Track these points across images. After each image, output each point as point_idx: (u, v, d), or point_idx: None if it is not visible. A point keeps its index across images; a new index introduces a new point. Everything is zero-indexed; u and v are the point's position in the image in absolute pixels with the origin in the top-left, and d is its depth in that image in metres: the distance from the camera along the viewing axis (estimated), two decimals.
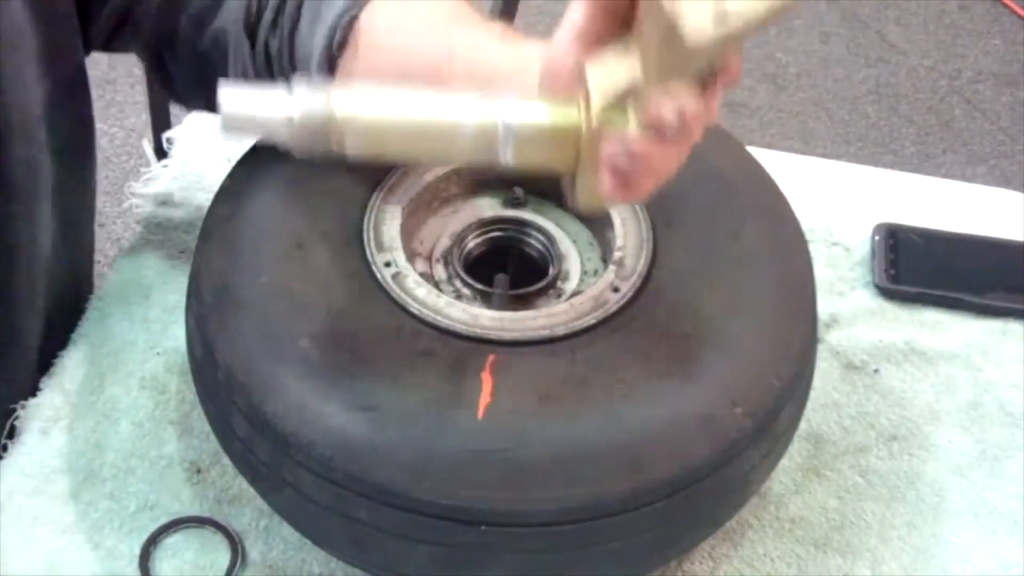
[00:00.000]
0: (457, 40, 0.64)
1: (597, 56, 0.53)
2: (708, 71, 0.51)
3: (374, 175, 0.72)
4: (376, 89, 0.54)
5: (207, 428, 0.70)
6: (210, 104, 0.76)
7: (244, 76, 0.73)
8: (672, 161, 0.53)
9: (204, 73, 0.74)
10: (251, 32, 0.72)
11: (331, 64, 0.68)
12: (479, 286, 0.69)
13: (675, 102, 0.50)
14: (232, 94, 0.52)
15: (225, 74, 0.74)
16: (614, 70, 0.52)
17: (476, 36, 0.64)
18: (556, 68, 0.54)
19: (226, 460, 0.69)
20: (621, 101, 0.52)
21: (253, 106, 0.52)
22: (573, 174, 0.56)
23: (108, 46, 0.78)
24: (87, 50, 0.76)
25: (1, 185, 0.70)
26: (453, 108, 0.54)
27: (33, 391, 0.78)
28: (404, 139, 0.54)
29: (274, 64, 0.72)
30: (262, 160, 0.74)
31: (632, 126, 0.52)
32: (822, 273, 0.88)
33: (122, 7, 0.74)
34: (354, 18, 0.67)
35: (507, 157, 0.54)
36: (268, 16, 0.71)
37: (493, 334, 0.63)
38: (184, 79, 0.77)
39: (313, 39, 0.69)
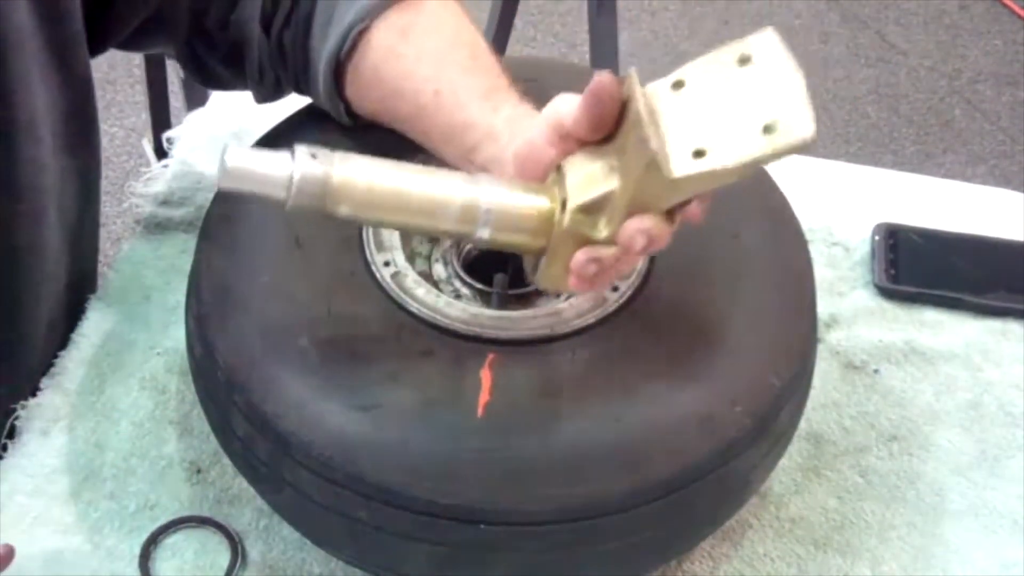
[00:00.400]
0: (445, 84, 0.67)
1: (576, 158, 0.57)
2: (679, 203, 0.56)
3: None
4: (373, 161, 0.57)
5: (207, 428, 0.70)
6: (245, 84, 0.78)
7: (260, 67, 0.75)
8: (632, 266, 0.58)
9: (237, 58, 0.76)
10: (267, 26, 0.74)
11: (337, 69, 0.71)
12: (478, 285, 0.69)
13: (645, 225, 0.55)
14: (237, 151, 0.55)
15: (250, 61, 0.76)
16: (592, 178, 0.57)
17: (462, 85, 0.66)
18: (534, 158, 0.59)
19: (226, 460, 0.69)
20: (594, 208, 0.56)
21: (256, 163, 0.55)
22: (538, 257, 0.60)
23: (131, 44, 0.79)
24: (101, 48, 0.76)
25: (8, 185, 0.70)
26: (441, 186, 0.58)
27: (33, 391, 0.78)
28: (394, 210, 0.58)
29: (288, 58, 0.74)
30: None
31: (602, 233, 0.56)
32: (822, 273, 0.88)
33: (154, 4, 0.75)
34: (365, 30, 0.69)
35: (484, 235, 0.58)
36: (282, 13, 0.73)
37: (492, 333, 0.63)
38: (220, 65, 0.78)
39: (325, 43, 0.71)
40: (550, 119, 0.59)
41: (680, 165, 0.53)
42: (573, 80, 0.80)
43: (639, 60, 2.37)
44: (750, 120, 0.53)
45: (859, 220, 0.94)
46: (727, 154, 0.53)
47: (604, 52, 1.58)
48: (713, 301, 0.66)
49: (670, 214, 0.56)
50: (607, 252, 0.56)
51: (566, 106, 0.58)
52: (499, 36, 1.75)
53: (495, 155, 0.64)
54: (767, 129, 0.52)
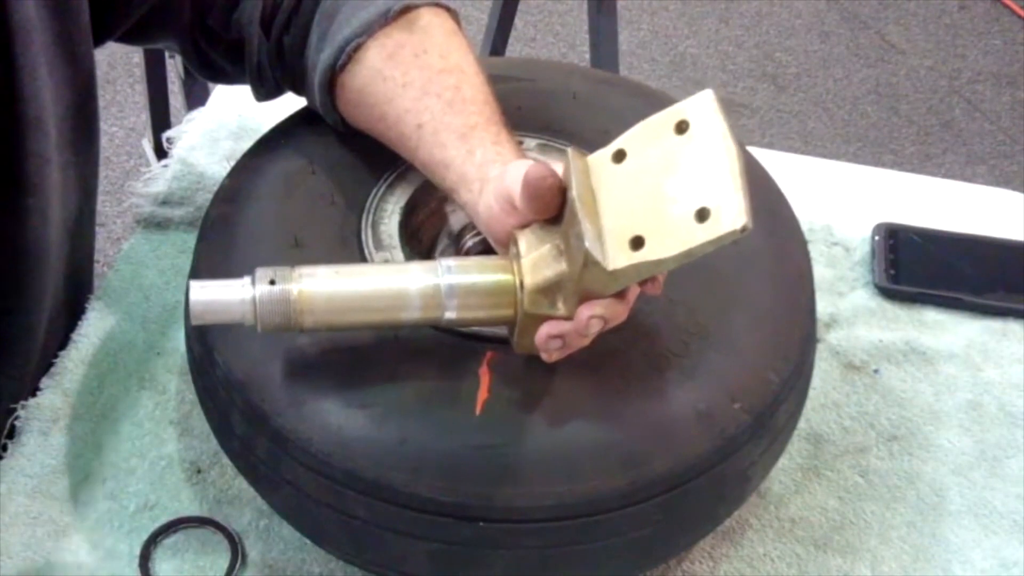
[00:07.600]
0: (426, 118, 0.67)
1: (529, 234, 0.59)
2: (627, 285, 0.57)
3: (372, 174, 0.72)
4: (331, 270, 0.59)
5: (207, 428, 0.70)
6: (245, 78, 0.78)
7: (259, 67, 0.76)
8: (594, 336, 0.59)
9: (240, 54, 0.77)
10: (267, 27, 0.74)
11: (331, 82, 0.71)
12: None
13: (597, 312, 0.57)
14: (199, 286, 0.58)
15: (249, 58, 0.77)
16: (542, 261, 0.58)
17: (443, 123, 0.67)
18: (496, 222, 0.61)
19: (226, 460, 0.69)
20: (548, 291, 0.58)
21: (218, 294, 0.57)
22: (513, 325, 0.60)
23: (135, 37, 0.79)
24: (104, 39, 0.77)
25: (17, 179, 0.70)
26: (401, 281, 0.59)
27: (33, 391, 0.78)
28: (358, 312, 0.59)
29: (286, 62, 0.75)
30: (262, 160, 0.74)
31: (560, 312, 0.58)
32: (822, 273, 0.88)
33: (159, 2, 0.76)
34: (360, 46, 0.69)
35: (451, 317, 0.59)
36: (282, 17, 0.74)
37: (491, 331, 0.63)
38: (223, 59, 0.79)
39: (320, 55, 0.71)
40: (503, 192, 0.60)
41: (616, 258, 0.54)
42: (573, 80, 0.80)
43: (639, 60, 2.37)
44: (686, 204, 0.53)
45: (859, 220, 0.94)
46: (663, 245, 0.53)
47: (604, 52, 1.58)
48: (712, 298, 0.66)
49: (622, 294, 0.57)
50: (568, 328, 0.58)
51: (516, 183, 0.59)
52: (499, 36, 1.75)
53: (469, 202, 0.64)
54: (701, 216, 0.52)
